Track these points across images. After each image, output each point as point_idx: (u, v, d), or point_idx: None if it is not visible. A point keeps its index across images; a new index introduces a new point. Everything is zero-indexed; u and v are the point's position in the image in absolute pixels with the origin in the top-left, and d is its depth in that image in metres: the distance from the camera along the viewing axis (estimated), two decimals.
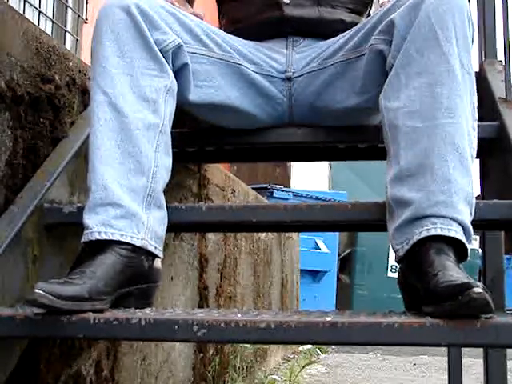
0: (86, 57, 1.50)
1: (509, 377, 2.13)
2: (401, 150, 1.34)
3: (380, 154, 1.88)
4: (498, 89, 1.82)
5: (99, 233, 1.31)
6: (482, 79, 1.96)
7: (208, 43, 1.63)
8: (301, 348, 4.99)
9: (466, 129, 1.32)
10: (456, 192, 1.27)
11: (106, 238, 1.31)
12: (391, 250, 7.23)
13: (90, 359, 1.71)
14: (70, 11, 5.43)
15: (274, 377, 3.62)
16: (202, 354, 2.67)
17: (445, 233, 1.24)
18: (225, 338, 1.16)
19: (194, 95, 1.61)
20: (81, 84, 1.71)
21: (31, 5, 4.84)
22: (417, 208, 1.28)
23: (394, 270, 7.25)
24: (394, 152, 1.36)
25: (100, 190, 1.34)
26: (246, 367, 3.34)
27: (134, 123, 1.39)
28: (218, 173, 2.91)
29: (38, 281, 1.36)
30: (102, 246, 1.31)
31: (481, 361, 2.17)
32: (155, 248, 1.38)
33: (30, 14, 4.81)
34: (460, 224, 1.26)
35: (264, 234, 3.98)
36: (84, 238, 1.33)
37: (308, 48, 1.73)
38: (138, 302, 1.35)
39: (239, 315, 1.15)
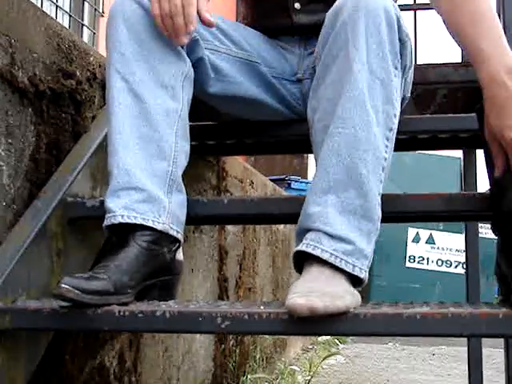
0: (103, 50, 1.51)
1: None
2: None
3: (398, 145, 1.88)
4: None
5: (122, 216, 1.32)
6: None
7: (225, 41, 1.63)
8: (320, 338, 5.00)
9: (364, 138, 1.26)
10: (333, 205, 1.23)
11: (129, 221, 1.32)
12: (409, 241, 7.24)
13: (113, 351, 1.73)
14: (86, 5, 5.45)
15: (293, 367, 3.64)
16: (222, 346, 2.69)
17: (309, 250, 1.22)
18: (248, 330, 1.17)
19: (215, 88, 1.62)
20: (101, 79, 1.73)
21: None
22: (299, 221, 1.28)
23: (411, 261, 7.24)
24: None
25: (123, 174, 1.36)
26: (266, 358, 3.36)
27: (154, 109, 1.40)
28: (237, 165, 2.92)
29: (62, 274, 1.38)
30: (124, 237, 1.32)
31: (500, 350, 2.17)
32: (177, 232, 1.39)
33: (48, 9, 4.83)
34: (334, 238, 1.21)
35: (283, 225, 3.99)
36: (107, 222, 1.34)
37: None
38: (162, 293, 1.37)
39: (262, 307, 1.16)
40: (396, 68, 1.33)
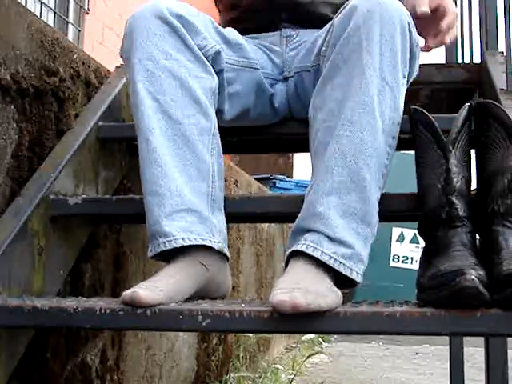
0: (88, 48, 1.50)
1: (510, 365, 2.15)
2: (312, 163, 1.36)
3: None
4: (500, 80, 1.82)
5: (183, 239, 1.32)
6: (483, 70, 1.97)
7: (232, 50, 1.60)
8: (303, 337, 5.00)
9: (370, 143, 1.27)
10: (335, 207, 1.23)
11: (190, 243, 1.32)
12: (394, 240, 7.26)
13: (95, 349, 1.73)
14: (72, 2, 5.42)
15: (276, 366, 3.64)
16: (205, 344, 2.69)
17: (309, 251, 1.21)
18: (229, 328, 1.17)
19: (229, 115, 1.63)
20: (85, 76, 1.73)
21: None
22: (297, 219, 1.29)
23: (396, 260, 7.27)
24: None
25: (175, 196, 1.34)
26: (249, 357, 3.36)
27: (188, 129, 1.39)
28: None
29: (44, 271, 1.38)
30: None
31: (483, 350, 2.19)
32: (227, 251, 1.41)
33: (32, 6, 4.81)
34: (334, 240, 1.22)
35: (267, 224, 3.99)
36: (165, 246, 1.32)
37: (299, 43, 1.70)
38: None
39: (243, 305, 1.16)
40: (404, 77, 1.35)
